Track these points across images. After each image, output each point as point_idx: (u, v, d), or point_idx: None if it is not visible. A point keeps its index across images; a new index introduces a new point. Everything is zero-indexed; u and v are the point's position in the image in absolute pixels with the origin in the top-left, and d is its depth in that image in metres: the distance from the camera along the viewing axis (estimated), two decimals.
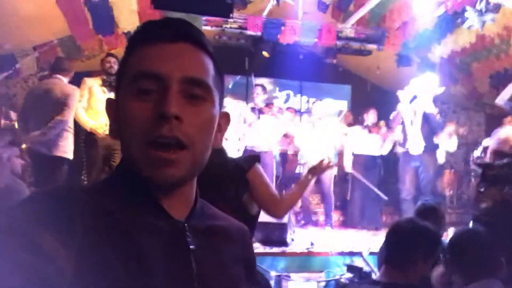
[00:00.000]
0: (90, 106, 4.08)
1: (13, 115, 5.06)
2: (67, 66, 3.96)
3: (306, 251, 3.66)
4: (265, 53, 6.22)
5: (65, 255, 0.49)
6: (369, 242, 3.89)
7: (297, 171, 5.94)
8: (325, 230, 4.92)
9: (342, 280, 3.28)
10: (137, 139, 0.57)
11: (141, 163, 0.58)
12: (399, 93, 4.77)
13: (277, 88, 7.99)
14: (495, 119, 5.88)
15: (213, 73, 0.63)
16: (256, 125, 4.89)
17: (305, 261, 3.58)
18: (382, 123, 5.69)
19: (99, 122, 4.01)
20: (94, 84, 4.09)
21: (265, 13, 5.59)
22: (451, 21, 5.11)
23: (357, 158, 5.34)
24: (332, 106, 6.45)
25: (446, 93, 6.35)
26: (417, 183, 4.70)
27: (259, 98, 5.12)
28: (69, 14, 4.70)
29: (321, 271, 3.49)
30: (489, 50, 5.31)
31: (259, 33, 5.81)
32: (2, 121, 5.10)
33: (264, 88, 5.32)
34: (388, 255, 1.69)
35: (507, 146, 2.72)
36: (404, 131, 4.74)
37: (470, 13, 4.59)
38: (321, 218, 5.43)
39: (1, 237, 0.49)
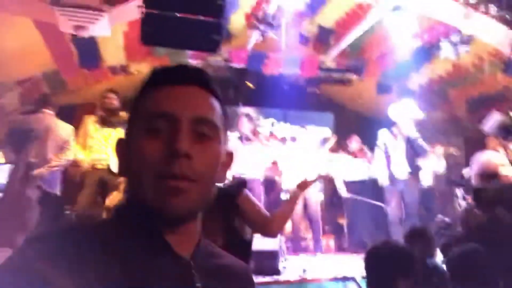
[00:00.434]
0: (83, 143, 4.12)
1: None
2: (53, 101, 3.99)
3: (299, 278, 3.64)
4: (249, 84, 6.34)
5: None
6: (362, 266, 3.87)
7: (283, 197, 5.98)
8: (316, 256, 4.92)
9: None
10: (148, 174, 0.60)
11: (151, 194, 0.59)
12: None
13: (261, 117, 8.09)
14: (473, 142, 6.07)
15: (220, 113, 0.68)
16: (243, 153, 4.94)
17: None
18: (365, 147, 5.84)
19: (90, 157, 4.01)
20: (88, 121, 4.11)
21: (249, 47, 5.74)
22: (428, 52, 5.35)
23: (347, 184, 5.43)
24: (317, 133, 6.59)
25: (426, 118, 6.58)
26: (403, 206, 4.78)
27: (245, 127, 5.20)
28: (55, 50, 4.73)
29: None
30: (464, 78, 5.56)
31: (243, 65, 5.96)
32: None
33: (249, 116, 5.41)
34: (368, 279, 1.72)
35: (491, 169, 2.81)
36: (387, 156, 4.84)
37: (445, 45, 4.82)
38: (311, 244, 5.43)
39: (14, 274, 0.50)
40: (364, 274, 1.81)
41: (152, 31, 3.13)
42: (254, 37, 5.28)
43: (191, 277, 0.62)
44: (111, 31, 4.02)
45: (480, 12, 4.25)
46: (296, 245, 5.30)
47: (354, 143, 5.68)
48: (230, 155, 0.72)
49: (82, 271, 0.53)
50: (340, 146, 6.25)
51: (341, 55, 6.15)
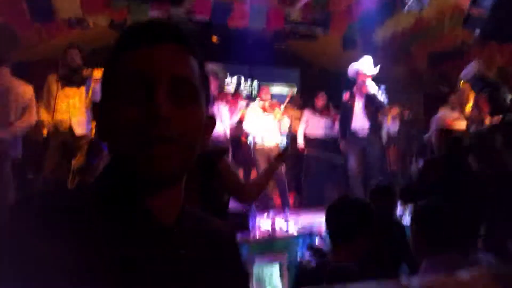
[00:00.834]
0: (45, 103, 3.94)
1: None
2: (7, 57, 3.73)
3: (267, 235, 3.78)
4: (214, 38, 6.16)
5: (51, 261, 0.51)
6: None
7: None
8: (284, 213, 5.09)
9: (304, 260, 3.44)
10: (128, 139, 0.58)
11: (132, 159, 0.58)
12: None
13: (227, 73, 7.97)
14: (433, 99, 6.30)
15: (199, 73, 0.65)
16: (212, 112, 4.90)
17: (267, 245, 3.71)
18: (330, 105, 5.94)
19: (53, 119, 3.86)
20: (52, 80, 3.90)
21: None
22: (392, 4, 5.36)
23: (312, 141, 5.54)
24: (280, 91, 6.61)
25: (387, 73, 6.70)
26: (365, 162, 4.96)
27: (212, 85, 5.11)
28: (2, 2, 4.38)
29: (284, 253, 3.63)
30: (426, 32, 5.64)
31: (207, 18, 5.75)
32: None
33: (214, 73, 5.30)
34: (329, 234, 1.82)
35: (446, 125, 2.94)
36: (350, 114, 4.95)
37: None
38: (278, 201, 5.59)
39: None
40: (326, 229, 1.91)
41: None
42: None
43: (174, 244, 0.61)
44: None
45: None
46: (264, 203, 5.44)
47: (321, 99, 5.77)
48: (211, 119, 0.70)
49: (61, 239, 0.52)
50: (307, 103, 6.32)
51: (307, 8, 6.05)
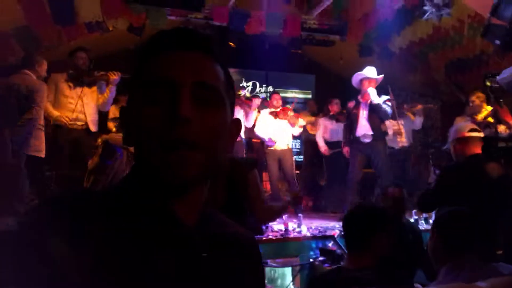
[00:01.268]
0: (56, 101, 4.03)
1: None
2: (36, 61, 3.83)
3: (280, 237, 3.77)
4: (231, 44, 6.22)
5: (73, 261, 0.52)
6: (340, 225, 4.04)
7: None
8: (297, 216, 5.07)
9: (316, 263, 3.42)
10: (151, 143, 0.59)
11: (155, 164, 0.59)
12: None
13: (243, 79, 8.02)
14: (450, 107, 6.23)
15: (223, 81, 0.65)
16: None
17: (280, 247, 3.70)
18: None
19: (64, 116, 3.97)
20: (60, 79, 4.01)
21: (230, 3, 5.57)
22: (410, 13, 5.34)
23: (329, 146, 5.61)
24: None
25: (405, 81, 6.65)
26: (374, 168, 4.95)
27: None
28: (27, 5, 4.49)
29: (296, 256, 3.61)
30: (444, 41, 5.60)
31: (224, 24, 5.81)
32: None
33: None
34: (346, 242, 1.83)
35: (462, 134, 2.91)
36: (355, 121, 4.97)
37: (427, 7, 4.81)
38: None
39: (15, 240, 0.53)
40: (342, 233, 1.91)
41: None
42: None
43: (195, 246, 0.61)
44: None
45: None
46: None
47: (336, 107, 5.81)
48: (236, 124, 0.70)
49: (82, 240, 0.53)
50: (321, 109, 6.32)
51: (324, 15, 6.06)
